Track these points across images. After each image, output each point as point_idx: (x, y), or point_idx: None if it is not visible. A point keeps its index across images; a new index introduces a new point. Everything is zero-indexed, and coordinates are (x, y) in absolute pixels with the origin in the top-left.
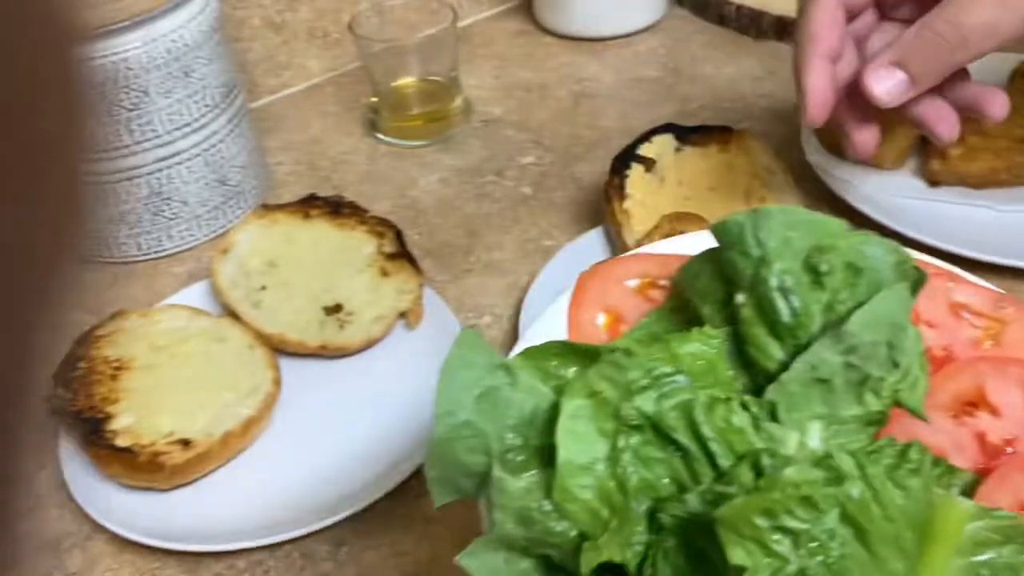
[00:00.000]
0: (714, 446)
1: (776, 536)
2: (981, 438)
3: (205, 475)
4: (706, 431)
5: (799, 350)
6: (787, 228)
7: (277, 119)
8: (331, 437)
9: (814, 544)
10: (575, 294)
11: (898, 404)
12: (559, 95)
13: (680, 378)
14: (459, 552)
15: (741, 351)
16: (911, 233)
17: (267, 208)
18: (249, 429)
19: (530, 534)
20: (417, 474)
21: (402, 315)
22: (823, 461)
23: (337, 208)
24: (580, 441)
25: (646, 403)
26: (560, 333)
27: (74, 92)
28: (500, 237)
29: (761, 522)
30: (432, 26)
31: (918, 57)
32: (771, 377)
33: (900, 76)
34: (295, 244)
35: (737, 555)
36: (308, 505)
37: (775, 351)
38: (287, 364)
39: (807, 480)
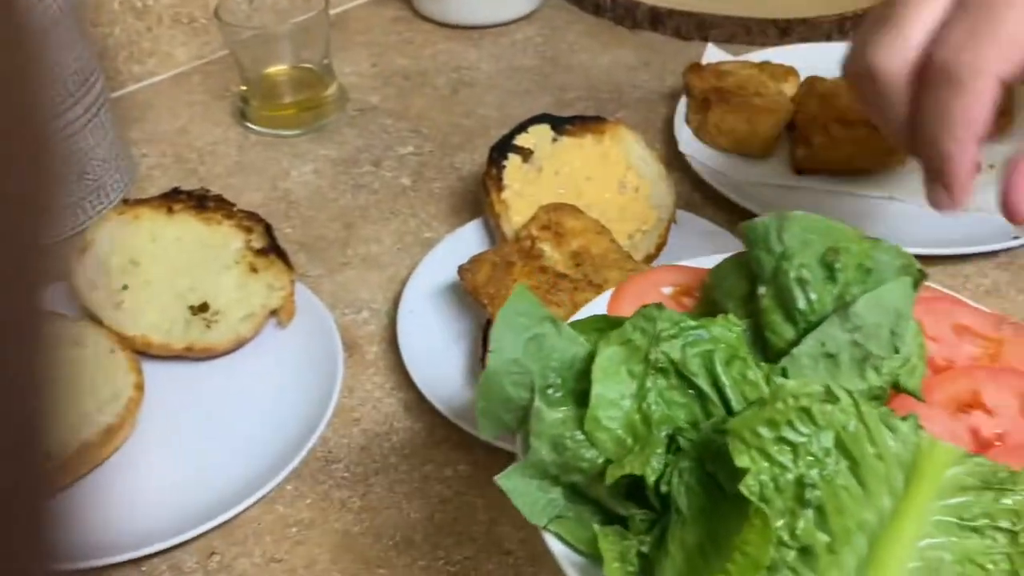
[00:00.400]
0: (729, 392)
1: (777, 447)
2: (975, 432)
3: (61, 489)
4: (724, 379)
5: (811, 331)
6: (807, 231)
7: (141, 109)
8: (199, 443)
9: (811, 458)
10: (614, 294)
11: (897, 387)
12: (437, 83)
13: (703, 332)
14: (334, 559)
15: (759, 338)
16: None
17: (128, 203)
18: (110, 438)
19: (561, 460)
20: (291, 478)
21: (273, 313)
22: (823, 386)
23: (202, 202)
24: (611, 379)
25: (672, 350)
26: None
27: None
28: (378, 229)
29: (765, 432)
30: (303, 12)
31: None
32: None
33: None
34: (158, 241)
35: (742, 460)
36: (175, 514)
37: (789, 333)
38: (151, 367)
39: (805, 392)
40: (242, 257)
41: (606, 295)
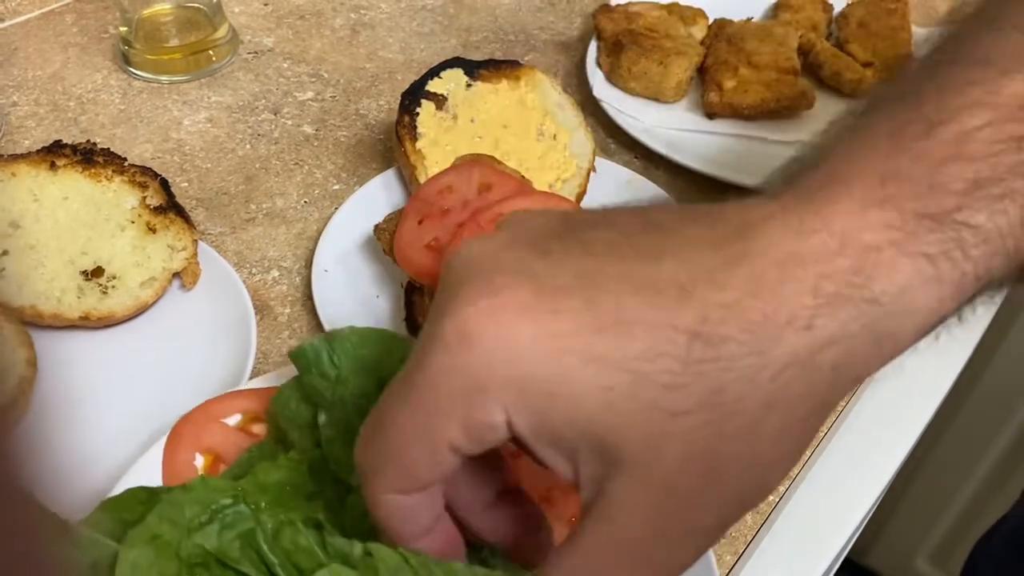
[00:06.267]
0: (279, 571)
1: None
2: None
3: None
4: (271, 557)
5: None
6: (359, 348)
7: (8, 52)
8: (104, 420)
9: None
10: (169, 438)
11: None
12: (335, 24)
13: (242, 508)
14: None
15: (328, 470)
16: (690, 163)
17: (3, 159)
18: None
19: None
20: None
21: (176, 275)
22: (364, 559)
23: (89, 156)
24: None
25: (207, 539)
26: (157, 479)
27: None
28: (282, 182)
29: None
30: None
31: None
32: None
33: None
34: (41, 200)
35: None
36: (80, 501)
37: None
38: (44, 340)
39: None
40: (138, 216)
41: (161, 442)
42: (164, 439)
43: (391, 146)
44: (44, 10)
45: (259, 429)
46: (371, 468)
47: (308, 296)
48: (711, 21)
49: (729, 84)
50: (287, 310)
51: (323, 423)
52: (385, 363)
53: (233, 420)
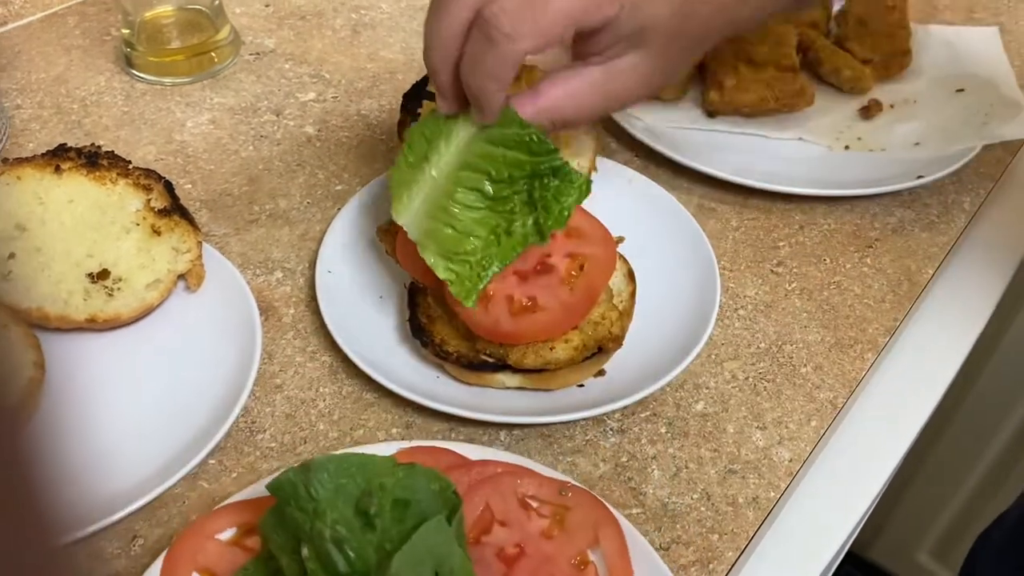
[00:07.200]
0: None
1: None
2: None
3: None
4: None
5: None
6: (338, 477)
7: (11, 55)
8: (112, 421)
9: None
10: (166, 559)
11: None
12: (336, 25)
13: None
14: None
15: None
16: (690, 162)
17: (8, 162)
18: None
19: None
20: (214, 452)
21: (181, 277)
22: None
23: (93, 159)
24: None
25: None
26: None
27: None
28: (285, 183)
29: None
30: None
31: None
32: None
33: None
34: (47, 203)
35: None
36: (91, 501)
37: None
38: (50, 342)
39: None
40: (142, 219)
41: (159, 562)
42: (161, 559)
43: (393, 147)
44: (46, 13)
45: (253, 542)
46: None
47: (312, 297)
48: None
49: (729, 82)
50: (291, 311)
51: (306, 556)
52: (365, 490)
53: (228, 534)
